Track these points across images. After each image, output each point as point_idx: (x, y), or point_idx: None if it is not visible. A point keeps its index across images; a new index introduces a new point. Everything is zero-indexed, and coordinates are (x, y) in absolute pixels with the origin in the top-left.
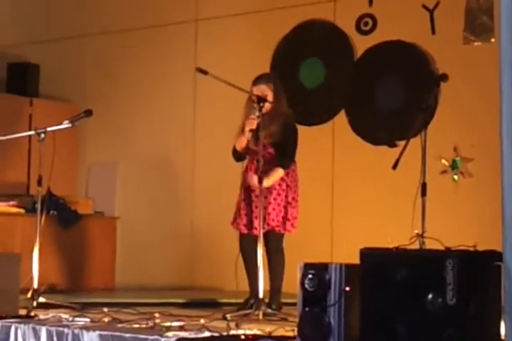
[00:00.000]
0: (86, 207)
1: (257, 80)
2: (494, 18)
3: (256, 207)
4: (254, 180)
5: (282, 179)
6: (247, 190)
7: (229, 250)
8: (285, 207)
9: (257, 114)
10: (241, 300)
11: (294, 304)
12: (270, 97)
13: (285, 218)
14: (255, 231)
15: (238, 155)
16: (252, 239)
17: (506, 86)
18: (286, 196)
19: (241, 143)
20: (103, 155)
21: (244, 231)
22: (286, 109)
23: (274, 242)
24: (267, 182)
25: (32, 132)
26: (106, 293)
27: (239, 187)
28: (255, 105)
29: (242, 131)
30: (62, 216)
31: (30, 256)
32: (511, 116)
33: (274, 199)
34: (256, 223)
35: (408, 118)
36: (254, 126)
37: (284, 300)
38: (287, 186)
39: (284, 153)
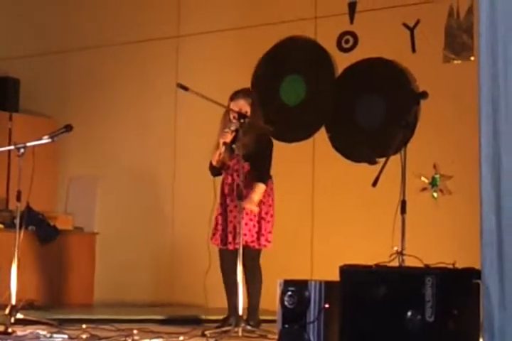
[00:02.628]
0: (65, 222)
1: (235, 95)
2: (474, 36)
3: (230, 221)
4: (248, 205)
5: None
6: (222, 204)
7: (210, 266)
8: (258, 222)
9: (232, 128)
10: (220, 317)
11: (274, 321)
12: (248, 112)
13: (259, 233)
14: (230, 246)
15: (215, 170)
16: (229, 255)
17: (485, 104)
18: (260, 211)
19: (215, 157)
20: (83, 171)
21: (221, 246)
22: (262, 123)
23: (249, 258)
24: (255, 199)
25: (11, 147)
26: (84, 309)
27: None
28: (235, 121)
29: (218, 145)
30: (41, 231)
31: (9, 272)
32: (490, 133)
33: (246, 214)
34: (230, 238)
35: (388, 135)
36: (228, 140)
37: (263, 317)
38: (260, 201)
39: (259, 167)
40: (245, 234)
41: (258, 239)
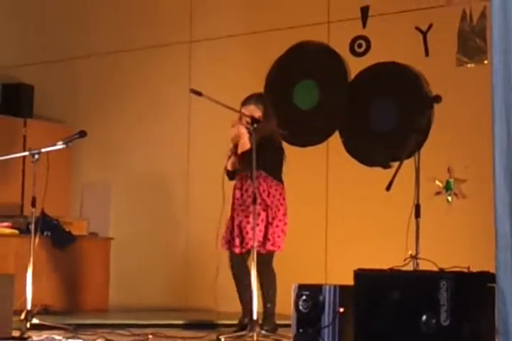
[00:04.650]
0: (80, 228)
1: (247, 101)
2: (487, 40)
3: (237, 225)
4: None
5: (262, 199)
6: (232, 208)
7: (223, 271)
8: (266, 227)
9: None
10: (234, 321)
11: (288, 325)
12: (260, 117)
13: (265, 238)
14: (236, 250)
15: (229, 174)
16: (237, 258)
17: (498, 107)
18: (267, 216)
19: (229, 161)
20: (97, 176)
21: (228, 249)
22: (275, 128)
23: (260, 263)
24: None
25: (26, 153)
26: (99, 314)
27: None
28: (248, 126)
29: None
30: (56, 237)
31: (24, 277)
32: (503, 137)
33: (253, 219)
34: (237, 241)
35: (402, 139)
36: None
37: (277, 322)
38: (267, 206)
39: (264, 165)
40: (251, 239)
41: (264, 243)
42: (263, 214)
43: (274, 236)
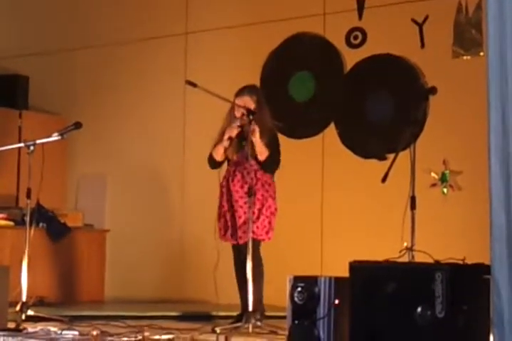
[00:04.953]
0: (75, 219)
1: (240, 92)
2: (483, 32)
3: (239, 217)
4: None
5: (266, 190)
6: (229, 200)
7: (222, 262)
8: (268, 217)
9: (238, 123)
10: (230, 313)
11: (284, 317)
12: (254, 109)
13: (269, 227)
14: (240, 241)
15: (216, 164)
16: (240, 249)
17: (494, 99)
18: (270, 206)
19: (218, 151)
20: (92, 168)
21: (233, 241)
22: (269, 120)
23: (254, 251)
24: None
25: (21, 144)
26: (95, 306)
27: (218, 200)
28: (244, 117)
29: (221, 139)
30: (52, 228)
31: (20, 269)
32: (499, 129)
33: (259, 209)
34: (240, 233)
35: (397, 131)
36: (233, 134)
37: (273, 313)
38: (270, 196)
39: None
40: (258, 227)
41: (267, 232)
42: (266, 205)
43: (273, 226)
